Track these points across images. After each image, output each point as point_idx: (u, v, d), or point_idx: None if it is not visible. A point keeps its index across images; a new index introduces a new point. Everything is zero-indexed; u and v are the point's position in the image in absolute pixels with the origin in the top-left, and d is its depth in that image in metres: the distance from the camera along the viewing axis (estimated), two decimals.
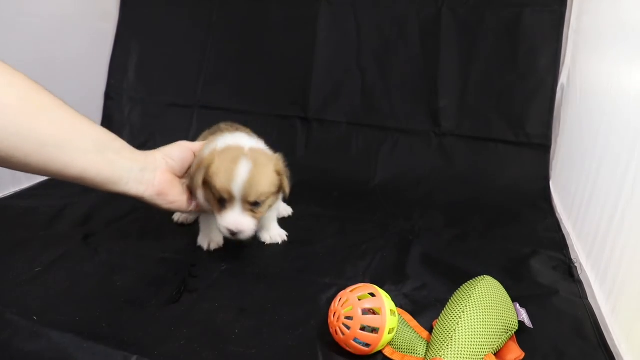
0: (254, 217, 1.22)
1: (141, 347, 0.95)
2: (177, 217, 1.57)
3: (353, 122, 2.11)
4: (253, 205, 1.21)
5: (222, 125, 1.50)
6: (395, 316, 0.95)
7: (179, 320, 1.06)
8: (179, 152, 1.20)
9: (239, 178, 1.16)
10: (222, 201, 1.19)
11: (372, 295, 0.95)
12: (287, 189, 1.28)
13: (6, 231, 1.41)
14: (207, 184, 1.20)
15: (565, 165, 1.77)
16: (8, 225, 1.46)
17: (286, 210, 1.64)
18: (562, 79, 1.91)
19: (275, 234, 1.45)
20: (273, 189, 1.25)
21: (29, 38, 1.74)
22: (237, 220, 1.19)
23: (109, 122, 2.20)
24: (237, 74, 2.19)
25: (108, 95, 2.22)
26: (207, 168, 1.18)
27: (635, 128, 1.11)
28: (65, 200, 1.66)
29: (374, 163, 2.04)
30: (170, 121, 2.18)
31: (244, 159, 1.18)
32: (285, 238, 1.45)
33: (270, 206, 1.30)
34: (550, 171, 1.90)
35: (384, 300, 0.94)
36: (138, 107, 2.22)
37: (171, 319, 1.06)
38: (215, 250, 1.38)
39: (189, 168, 1.28)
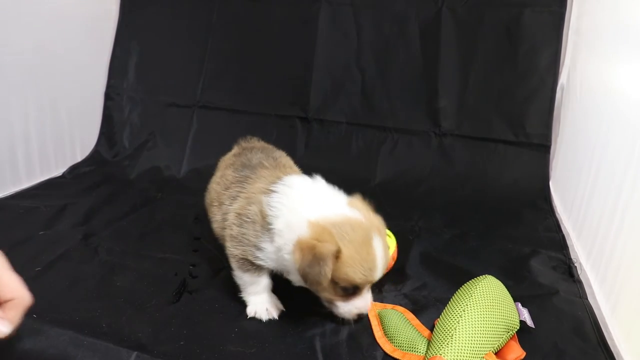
0: None
1: (141, 347, 0.95)
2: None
3: (353, 122, 2.11)
4: None
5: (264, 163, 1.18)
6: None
7: (179, 321, 1.06)
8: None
9: (380, 264, 0.97)
10: (352, 289, 0.98)
11: None
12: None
13: (6, 231, 1.41)
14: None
15: (565, 165, 1.77)
16: (8, 225, 1.46)
17: None
18: (562, 79, 1.91)
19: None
20: None
21: (29, 38, 1.74)
22: (368, 301, 1.02)
23: (109, 122, 2.20)
24: (237, 74, 2.18)
25: (108, 95, 2.22)
26: (333, 259, 0.91)
27: (635, 128, 1.11)
28: (65, 200, 1.66)
29: (374, 163, 2.04)
30: (170, 121, 2.18)
31: (374, 236, 0.96)
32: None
33: None
34: (550, 171, 1.90)
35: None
36: (138, 107, 2.22)
37: (171, 319, 1.06)
38: (216, 251, 1.38)
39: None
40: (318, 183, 1.08)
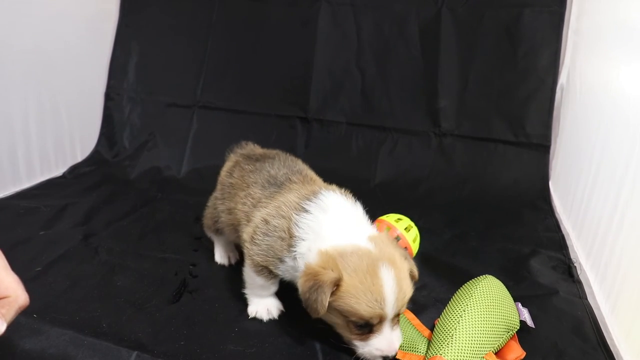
0: (398, 324, 0.96)
1: (141, 347, 0.95)
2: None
3: (353, 122, 2.11)
4: (400, 315, 0.96)
5: (281, 173, 1.15)
6: (411, 229, 1.35)
7: (179, 321, 1.06)
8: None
9: (390, 295, 0.88)
10: (365, 326, 0.91)
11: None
12: (416, 274, 0.99)
13: (6, 231, 1.41)
14: (332, 305, 0.90)
15: (564, 165, 1.77)
16: (8, 225, 1.46)
17: None
18: (562, 79, 1.91)
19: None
20: None
21: (30, 39, 1.74)
22: (392, 341, 0.92)
23: (109, 122, 2.20)
24: (237, 74, 2.19)
25: (108, 96, 2.22)
26: (333, 287, 0.88)
27: (635, 128, 1.11)
28: (65, 200, 1.66)
29: (374, 163, 2.04)
30: (170, 121, 2.18)
31: (382, 266, 0.89)
32: None
33: None
34: (549, 171, 1.91)
35: (402, 233, 1.30)
36: (138, 107, 2.22)
37: (171, 319, 1.06)
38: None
39: None
40: (355, 209, 1.04)
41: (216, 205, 1.27)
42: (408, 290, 0.93)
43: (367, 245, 0.93)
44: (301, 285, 0.91)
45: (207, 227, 1.34)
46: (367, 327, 0.90)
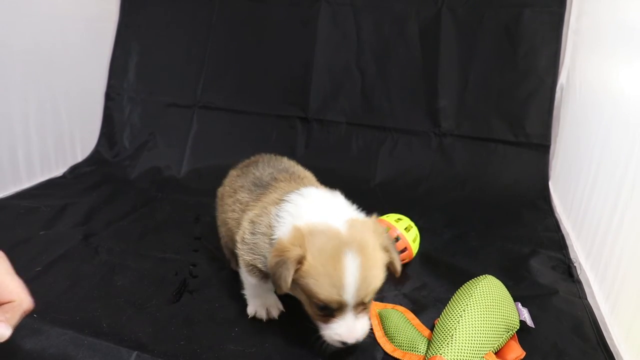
0: (367, 314, 0.94)
1: (141, 346, 0.96)
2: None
3: (353, 122, 2.11)
4: (366, 304, 0.93)
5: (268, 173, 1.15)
6: (411, 229, 1.33)
7: (179, 321, 1.06)
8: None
9: (350, 283, 0.86)
10: (326, 309, 0.90)
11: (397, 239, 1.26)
12: (399, 267, 0.97)
13: (6, 231, 1.41)
14: (296, 282, 0.89)
15: (564, 165, 1.77)
16: (8, 225, 1.46)
17: None
18: (562, 79, 1.91)
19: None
20: (385, 272, 0.94)
21: (30, 39, 1.74)
22: (352, 329, 0.90)
23: (109, 122, 2.20)
24: (237, 74, 2.19)
25: (108, 96, 2.22)
26: (297, 264, 0.87)
27: (635, 128, 1.11)
28: (65, 200, 1.66)
29: (374, 163, 2.04)
30: (170, 121, 2.18)
31: (349, 251, 0.86)
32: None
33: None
34: (549, 171, 1.91)
35: (402, 233, 1.30)
36: (138, 107, 2.22)
37: (171, 319, 1.06)
38: (216, 251, 1.38)
39: None
40: (334, 197, 1.03)
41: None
42: (374, 280, 0.90)
43: (340, 227, 0.91)
44: (270, 260, 0.91)
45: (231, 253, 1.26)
46: (328, 311, 0.90)
